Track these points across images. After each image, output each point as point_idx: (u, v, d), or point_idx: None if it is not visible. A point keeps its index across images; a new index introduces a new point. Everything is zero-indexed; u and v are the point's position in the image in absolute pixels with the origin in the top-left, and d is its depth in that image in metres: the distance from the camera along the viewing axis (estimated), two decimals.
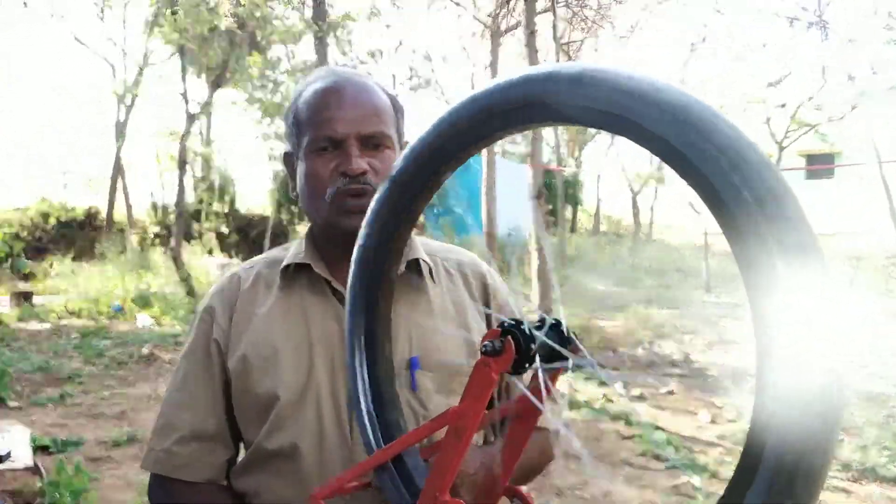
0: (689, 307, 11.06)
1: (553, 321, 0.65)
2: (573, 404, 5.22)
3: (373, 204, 0.79)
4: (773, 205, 0.46)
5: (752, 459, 0.46)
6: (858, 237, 13.07)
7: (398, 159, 0.77)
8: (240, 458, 1.17)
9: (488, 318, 1.19)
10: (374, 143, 1.10)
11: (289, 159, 1.21)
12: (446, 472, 0.68)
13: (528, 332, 0.63)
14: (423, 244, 1.20)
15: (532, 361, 0.63)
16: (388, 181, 0.77)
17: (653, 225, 23.66)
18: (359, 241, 0.81)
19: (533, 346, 0.62)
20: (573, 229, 22.71)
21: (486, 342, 0.64)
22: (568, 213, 21.38)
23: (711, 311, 10.69)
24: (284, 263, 1.15)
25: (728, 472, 4.04)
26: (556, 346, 0.63)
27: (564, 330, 0.65)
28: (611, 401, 5.47)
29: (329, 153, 1.09)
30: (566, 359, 0.63)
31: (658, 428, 4.82)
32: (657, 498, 3.72)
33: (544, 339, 0.63)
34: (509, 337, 0.63)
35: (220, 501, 1.13)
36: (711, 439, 4.70)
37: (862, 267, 12.04)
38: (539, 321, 0.65)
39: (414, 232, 1.16)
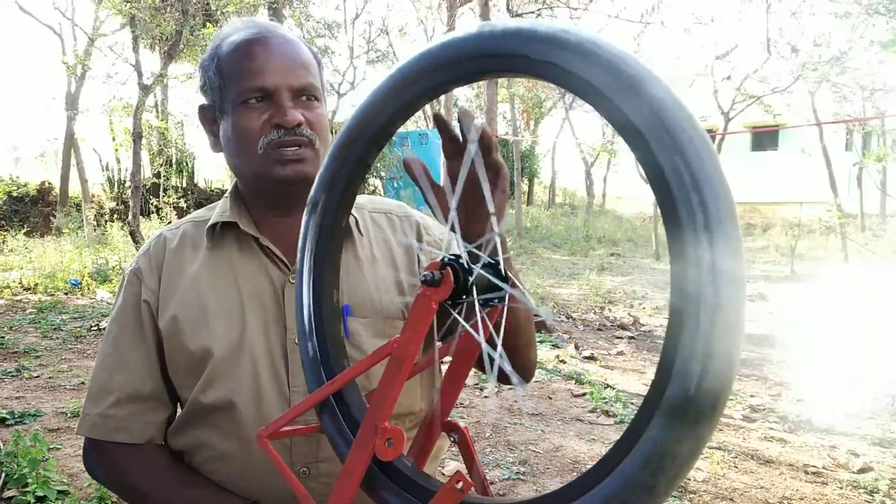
0: (640, 274, 11.40)
1: (490, 260, 0.67)
2: None
3: (330, 151, 0.78)
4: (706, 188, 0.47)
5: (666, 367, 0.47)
6: (800, 206, 13.51)
7: (353, 113, 0.76)
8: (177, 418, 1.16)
9: (419, 257, 1.20)
10: (305, 95, 1.09)
11: (205, 113, 1.16)
12: (386, 401, 0.69)
13: (465, 264, 0.64)
14: None
15: (469, 293, 0.64)
16: (349, 125, 0.75)
17: (605, 196, 24.06)
18: (313, 191, 0.81)
19: (470, 277, 0.64)
20: (529, 201, 22.94)
21: (425, 272, 0.64)
22: (524, 185, 21.55)
23: (660, 277, 11.04)
24: (210, 223, 1.13)
25: None
26: (492, 278, 0.65)
27: (502, 268, 0.67)
28: (563, 362, 5.66)
29: (260, 105, 1.06)
30: (502, 291, 0.65)
31: (608, 386, 5.00)
32: (606, 450, 3.90)
33: (480, 270, 0.65)
34: (448, 268, 0.64)
35: (160, 460, 1.11)
36: None
37: (802, 235, 12.52)
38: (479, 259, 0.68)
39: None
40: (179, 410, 1.15)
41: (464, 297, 0.65)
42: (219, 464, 1.08)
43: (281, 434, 0.80)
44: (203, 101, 1.16)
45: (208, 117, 1.16)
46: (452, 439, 0.81)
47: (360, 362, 0.74)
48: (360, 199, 1.24)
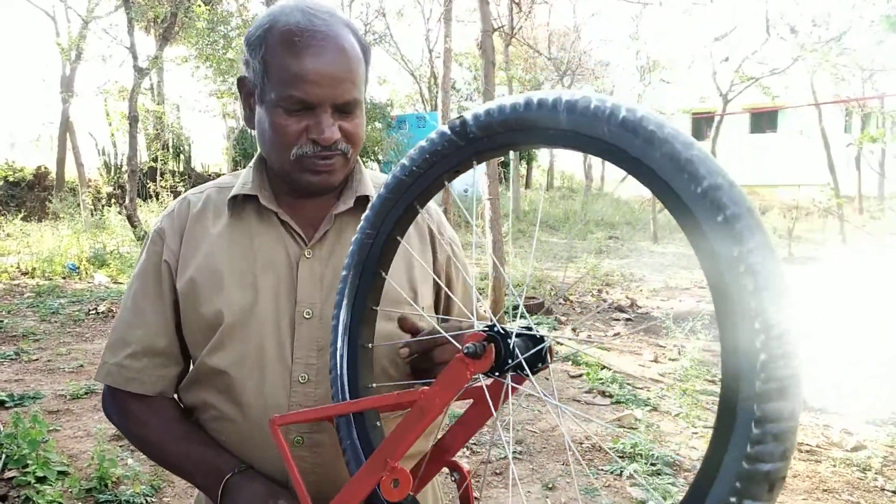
0: (638, 257, 11.42)
1: (528, 332, 0.68)
2: None
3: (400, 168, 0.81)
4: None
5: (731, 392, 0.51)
6: (798, 188, 13.52)
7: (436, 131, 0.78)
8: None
9: (433, 246, 1.21)
10: (347, 110, 1.07)
11: (244, 86, 1.13)
12: (401, 443, 0.70)
13: (510, 346, 0.65)
14: (371, 178, 1.20)
15: (504, 369, 0.66)
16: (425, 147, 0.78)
17: (604, 180, 24.03)
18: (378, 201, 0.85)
19: (510, 361, 0.65)
20: (528, 185, 22.91)
21: (468, 344, 0.65)
22: (522, 169, 21.51)
23: (658, 260, 11.07)
24: (232, 194, 1.14)
25: (667, 405, 4.32)
26: (527, 369, 0.66)
27: (537, 342, 0.68)
28: (560, 343, 5.67)
29: (299, 113, 1.05)
30: (530, 372, 0.67)
31: (604, 367, 5.04)
32: (602, 430, 3.93)
33: (521, 358, 0.66)
34: (492, 345, 0.64)
35: (167, 413, 1.16)
36: (653, 376, 4.95)
37: (800, 217, 12.53)
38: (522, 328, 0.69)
39: (367, 167, 1.27)
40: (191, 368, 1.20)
41: (496, 373, 0.66)
42: (219, 424, 1.12)
43: (292, 422, 0.84)
44: (244, 71, 1.12)
45: (247, 91, 1.13)
46: (453, 478, 0.83)
47: (385, 396, 0.76)
48: (382, 179, 1.26)
